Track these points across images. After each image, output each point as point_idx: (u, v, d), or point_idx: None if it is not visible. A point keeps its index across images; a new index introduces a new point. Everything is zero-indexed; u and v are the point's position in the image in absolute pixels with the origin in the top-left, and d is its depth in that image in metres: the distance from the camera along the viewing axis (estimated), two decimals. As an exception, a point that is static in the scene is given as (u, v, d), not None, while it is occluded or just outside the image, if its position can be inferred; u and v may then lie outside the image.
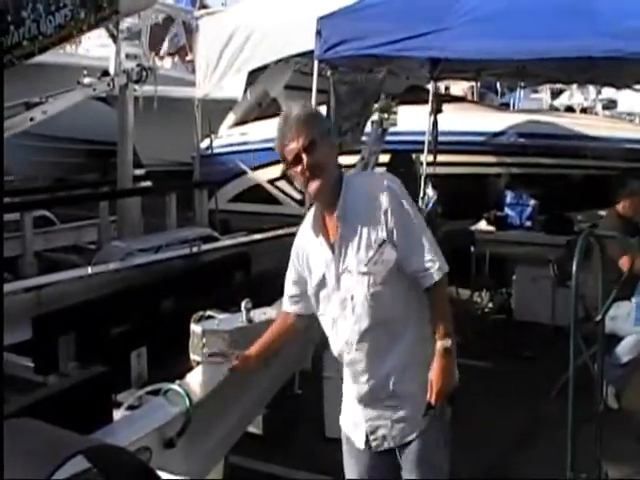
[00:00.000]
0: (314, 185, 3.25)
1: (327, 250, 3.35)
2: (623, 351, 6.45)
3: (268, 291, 5.39)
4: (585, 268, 4.52)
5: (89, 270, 7.19)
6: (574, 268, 4.19)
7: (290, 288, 3.66)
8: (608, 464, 4.69)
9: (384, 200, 3.24)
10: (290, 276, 3.63)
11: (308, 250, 3.46)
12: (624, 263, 6.16)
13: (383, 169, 8.53)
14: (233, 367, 3.79)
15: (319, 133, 3.29)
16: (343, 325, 3.36)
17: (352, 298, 3.30)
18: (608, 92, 23.42)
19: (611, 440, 4.84)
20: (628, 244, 6.53)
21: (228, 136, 12.29)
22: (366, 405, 3.44)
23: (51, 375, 5.66)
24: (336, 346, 3.46)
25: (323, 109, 7.25)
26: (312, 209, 3.46)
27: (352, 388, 3.48)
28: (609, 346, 6.27)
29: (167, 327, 5.64)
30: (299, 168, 3.25)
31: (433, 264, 3.27)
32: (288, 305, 3.72)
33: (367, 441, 3.48)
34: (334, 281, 3.34)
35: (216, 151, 11.70)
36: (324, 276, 3.38)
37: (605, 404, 6.04)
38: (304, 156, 3.23)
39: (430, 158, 10.16)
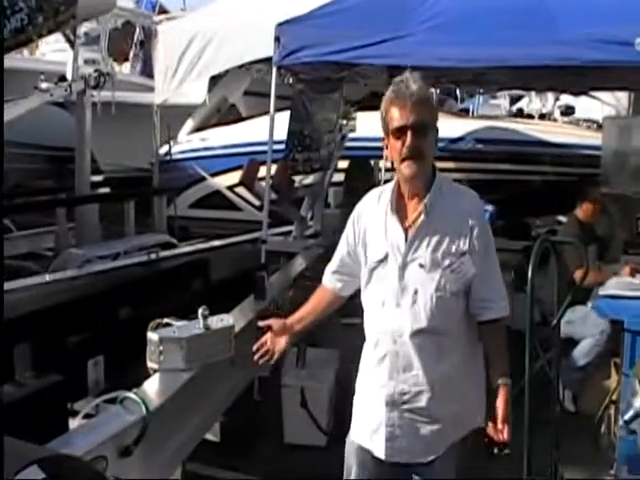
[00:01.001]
0: (412, 167, 3.19)
1: (400, 232, 3.27)
2: (579, 355, 6.53)
3: (226, 298, 5.39)
4: (542, 273, 4.57)
5: (46, 277, 7.11)
6: (530, 273, 4.24)
7: (337, 262, 3.63)
8: (564, 467, 4.74)
9: (474, 216, 3.26)
10: (341, 249, 3.58)
11: (372, 224, 3.38)
12: (578, 276, 6.24)
13: (342, 175, 8.57)
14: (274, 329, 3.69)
15: (433, 119, 3.27)
16: (395, 313, 3.25)
17: (416, 292, 3.22)
18: (566, 99, 23.64)
19: (568, 443, 4.89)
20: (583, 251, 6.60)
21: (187, 142, 12.23)
22: (393, 408, 3.31)
23: (6, 384, 5.59)
24: (377, 330, 3.35)
25: (285, 115, 7.23)
26: (389, 185, 3.38)
27: (381, 385, 3.33)
28: (566, 350, 6.34)
29: (124, 335, 5.59)
30: (399, 142, 3.20)
31: (500, 300, 3.32)
32: (330, 280, 3.69)
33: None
34: (398, 267, 3.25)
35: (175, 157, 11.64)
36: (387, 256, 3.28)
37: (562, 407, 6.12)
38: (410, 134, 3.16)
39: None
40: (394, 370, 3.28)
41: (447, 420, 3.27)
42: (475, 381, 3.36)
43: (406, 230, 3.26)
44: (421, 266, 3.21)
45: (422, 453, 3.31)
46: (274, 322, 3.70)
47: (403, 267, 3.24)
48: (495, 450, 3.19)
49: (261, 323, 3.76)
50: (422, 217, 3.23)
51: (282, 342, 3.70)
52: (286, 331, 3.69)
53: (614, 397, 5.65)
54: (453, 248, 3.20)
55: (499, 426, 3.17)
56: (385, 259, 3.29)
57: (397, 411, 3.30)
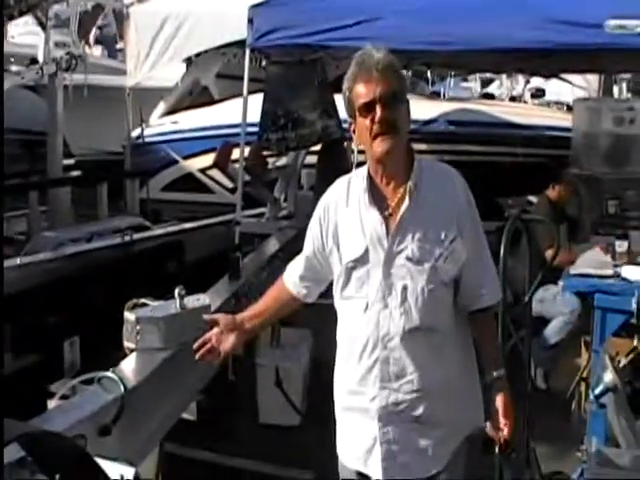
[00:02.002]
0: (385, 143, 2.82)
1: (379, 223, 2.88)
2: (551, 333, 6.62)
3: (201, 279, 5.41)
4: (514, 253, 4.62)
5: (18, 261, 7.10)
6: (502, 252, 4.28)
7: (302, 264, 3.22)
8: (536, 442, 4.81)
9: (460, 196, 2.95)
10: (307, 250, 3.18)
11: (344, 217, 2.98)
12: (549, 255, 6.33)
13: (315, 157, 8.59)
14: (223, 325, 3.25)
15: (401, 87, 2.93)
16: (383, 315, 2.87)
17: (404, 288, 2.85)
18: (536, 81, 23.75)
19: (539, 419, 4.97)
20: (555, 230, 6.69)
21: (159, 125, 12.19)
22: (387, 421, 2.94)
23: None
24: (362, 338, 2.94)
25: (258, 97, 7.25)
26: (359, 171, 3.02)
27: (371, 399, 2.96)
28: (537, 329, 6.42)
29: (100, 316, 5.61)
30: (368, 119, 2.84)
31: (492, 286, 3.05)
32: (294, 283, 3.27)
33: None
34: (381, 262, 2.86)
35: (147, 140, 11.62)
36: (367, 251, 2.88)
37: (534, 385, 6.20)
38: (379, 107, 2.81)
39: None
40: (385, 379, 2.91)
41: (449, 426, 2.96)
42: (471, 377, 3.09)
43: (387, 220, 2.88)
44: (409, 259, 2.84)
45: (425, 467, 2.96)
46: (222, 317, 3.30)
47: (388, 262, 2.86)
48: (497, 450, 2.99)
49: (206, 317, 3.41)
50: (406, 202, 2.86)
51: (229, 341, 3.25)
52: (235, 328, 3.25)
53: (584, 374, 5.75)
54: (443, 234, 2.85)
55: (500, 423, 2.94)
56: (365, 255, 2.89)
57: (392, 425, 2.94)
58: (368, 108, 2.84)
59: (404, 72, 3.17)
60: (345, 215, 2.98)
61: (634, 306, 5.16)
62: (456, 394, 2.97)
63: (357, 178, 3.00)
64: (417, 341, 2.87)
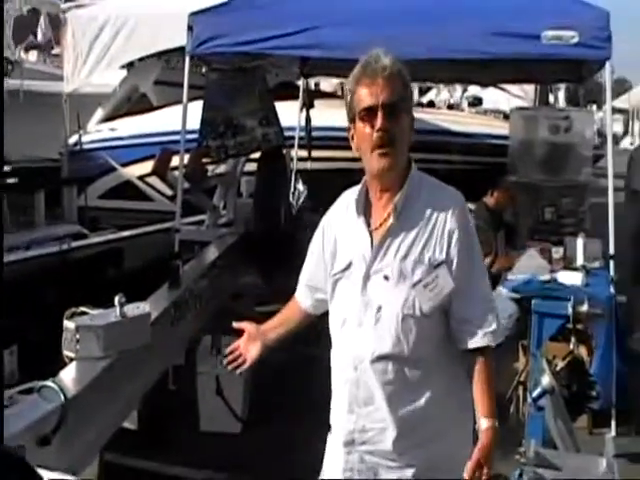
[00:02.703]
0: (383, 159, 2.68)
1: (365, 236, 2.77)
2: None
3: (141, 286, 5.38)
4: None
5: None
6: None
7: (305, 276, 3.13)
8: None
9: (455, 219, 2.72)
10: (309, 261, 3.09)
11: (340, 230, 2.90)
12: (487, 261, 6.46)
13: (254, 165, 8.60)
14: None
15: (406, 98, 2.76)
16: (357, 333, 2.75)
17: (379, 309, 2.70)
18: (474, 90, 24.06)
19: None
20: (492, 236, 6.81)
21: (97, 132, 12.09)
22: (352, 449, 2.81)
23: None
24: (338, 354, 2.87)
25: (197, 104, 7.23)
26: (356, 187, 2.90)
27: (340, 421, 2.86)
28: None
29: (39, 324, 5.54)
30: (368, 125, 2.68)
31: (489, 323, 2.73)
32: (302, 295, 3.18)
33: None
34: (361, 277, 2.75)
35: (85, 147, 11.51)
36: (351, 264, 2.79)
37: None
38: (380, 115, 2.65)
39: (301, 153, 10.31)
40: (354, 402, 2.77)
41: (419, 467, 2.75)
42: (457, 419, 2.85)
43: (372, 234, 2.78)
44: (386, 278, 2.70)
45: None
46: (249, 326, 3.23)
47: (366, 278, 2.74)
48: None
49: (236, 325, 3.28)
50: (391, 219, 2.74)
51: (255, 350, 3.17)
52: (259, 337, 3.18)
53: (522, 378, 5.83)
54: (426, 257, 2.68)
55: (471, 469, 2.61)
56: (348, 268, 2.80)
57: (356, 453, 2.80)
58: (369, 114, 2.68)
59: (411, 83, 2.85)
60: (343, 228, 2.90)
61: (570, 310, 5.26)
62: (433, 434, 2.77)
63: (357, 190, 2.89)
64: (388, 368, 2.70)
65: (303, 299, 3.17)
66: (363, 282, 2.74)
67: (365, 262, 2.75)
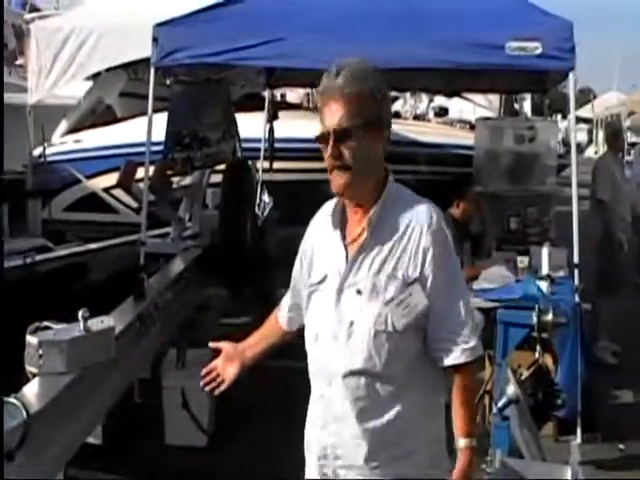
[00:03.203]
0: (338, 179, 2.65)
1: (340, 250, 2.74)
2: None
3: (106, 300, 5.34)
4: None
5: None
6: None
7: (289, 293, 3.12)
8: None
9: (430, 235, 2.65)
10: (293, 276, 3.05)
11: (317, 241, 2.87)
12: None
13: (220, 176, 8.58)
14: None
15: (368, 117, 2.66)
16: (330, 348, 2.71)
17: (351, 324, 2.66)
18: (440, 100, 24.21)
19: (445, 433, 5.03)
20: (458, 247, 6.82)
21: (62, 144, 12.00)
22: (325, 463, 2.79)
23: None
24: (312, 368, 2.83)
25: (162, 116, 7.20)
26: (334, 200, 2.84)
27: (315, 435, 2.83)
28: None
29: (1, 340, 5.48)
30: (327, 148, 2.66)
31: (467, 339, 2.68)
32: (283, 311, 3.17)
33: None
34: (335, 291, 2.71)
35: (49, 159, 11.40)
36: (326, 277, 2.76)
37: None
38: (331, 141, 2.63)
39: (266, 165, 10.30)
40: (328, 418, 2.75)
41: None
42: (431, 436, 2.79)
43: (347, 248, 2.74)
44: (359, 292, 2.66)
45: None
46: (227, 345, 3.18)
47: (340, 292, 2.70)
48: None
49: (212, 345, 3.23)
50: (365, 234, 2.69)
51: (233, 370, 3.13)
52: (237, 356, 3.14)
53: (488, 387, 5.85)
54: (400, 273, 2.63)
55: None
56: (323, 281, 2.77)
57: (330, 467, 2.78)
58: (325, 139, 2.66)
59: (384, 91, 2.80)
60: (321, 240, 2.86)
61: (535, 320, 5.28)
62: (406, 451, 2.72)
63: (337, 199, 2.85)
64: (360, 384, 2.66)
65: (282, 316, 3.16)
66: (337, 296, 2.70)
67: (339, 276, 2.71)
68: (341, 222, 2.79)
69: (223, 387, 3.16)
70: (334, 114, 2.63)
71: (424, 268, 2.64)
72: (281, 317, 3.16)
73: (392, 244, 2.67)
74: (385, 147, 2.75)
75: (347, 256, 2.72)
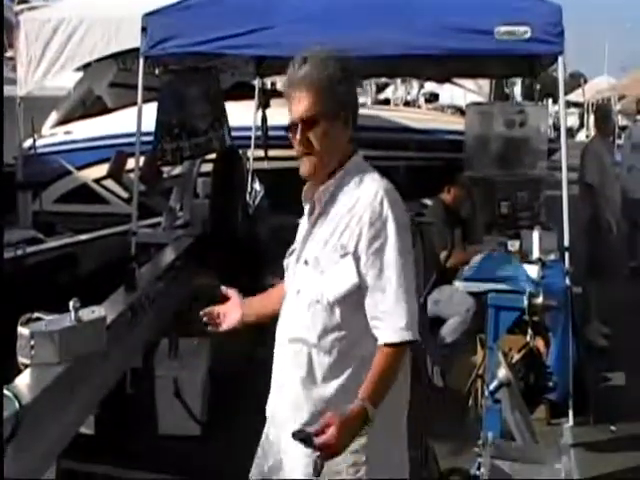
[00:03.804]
0: (304, 165, 2.80)
1: (305, 224, 2.93)
2: (447, 332, 6.75)
3: (98, 290, 5.35)
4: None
5: None
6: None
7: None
8: (434, 440, 4.90)
9: (370, 212, 2.71)
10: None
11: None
12: (443, 258, 6.54)
13: (210, 165, 8.58)
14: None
15: (331, 104, 2.77)
16: (283, 315, 2.92)
17: (298, 293, 2.84)
18: (431, 86, 24.23)
19: (437, 417, 5.07)
20: (448, 232, 6.86)
21: (52, 135, 11.97)
22: (268, 427, 3.01)
23: None
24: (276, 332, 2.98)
25: (152, 106, 7.19)
26: None
27: (269, 396, 3.01)
28: (434, 328, 6.56)
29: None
30: (294, 137, 2.79)
31: (394, 320, 2.68)
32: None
33: None
34: (294, 262, 2.92)
35: (40, 151, 11.37)
36: (293, 250, 2.96)
37: (431, 383, 6.33)
38: (299, 129, 2.76)
39: (257, 153, 10.31)
40: (276, 381, 2.94)
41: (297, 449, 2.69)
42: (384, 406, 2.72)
43: (309, 222, 2.90)
44: (306, 263, 2.82)
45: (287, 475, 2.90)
46: (235, 294, 3.26)
47: (296, 262, 2.90)
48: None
49: (223, 290, 3.31)
50: (316, 209, 2.84)
51: (234, 317, 3.21)
52: (241, 308, 3.21)
53: (480, 371, 5.87)
54: (338, 247, 2.73)
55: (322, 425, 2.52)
56: (292, 254, 2.96)
57: (272, 432, 2.98)
58: (292, 127, 2.80)
59: (349, 78, 2.84)
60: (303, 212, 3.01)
61: (525, 303, 5.30)
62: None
63: None
64: (301, 352, 2.79)
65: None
66: (293, 267, 2.91)
67: (298, 247, 2.92)
68: (310, 199, 2.89)
69: (221, 329, 3.26)
70: (299, 104, 2.77)
71: (359, 243, 2.71)
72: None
73: (338, 218, 2.77)
74: (351, 129, 2.87)
75: (310, 231, 2.87)
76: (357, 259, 2.70)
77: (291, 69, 2.82)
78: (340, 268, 2.71)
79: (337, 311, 2.73)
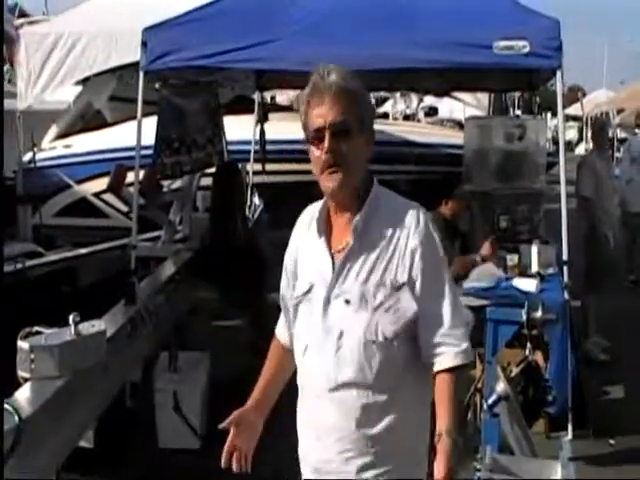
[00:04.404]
0: (332, 179, 2.58)
1: (326, 258, 2.67)
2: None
3: (98, 304, 5.35)
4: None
5: None
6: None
7: (282, 312, 2.97)
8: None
9: (417, 238, 2.60)
10: (282, 294, 2.92)
11: (301, 250, 2.80)
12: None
13: (210, 179, 8.60)
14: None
15: (359, 117, 2.63)
16: (318, 361, 2.65)
17: (340, 336, 2.59)
18: (429, 100, 24.29)
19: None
20: (448, 246, 6.84)
21: (51, 149, 11.99)
22: (319, 477, 2.72)
23: None
24: (301, 381, 2.78)
25: (152, 120, 7.21)
26: (318, 203, 2.79)
27: (307, 450, 2.77)
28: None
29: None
30: (319, 148, 2.59)
31: (455, 343, 2.61)
32: (281, 328, 3.02)
33: None
34: (322, 302, 2.64)
35: (39, 165, 11.38)
36: (311, 288, 2.69)
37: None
38: (327, 137, 2.56)
39: (256, 167, 10.32)
40: (320, 432, 2.67)
41: None
42: (419, 438, 2.72)
43: (333, 256, 2.67)
44: (347, 302, 2.59)
45: None
46: (236, 417, 2.91)
47: (327, 303, 2.63)
48: None
49: (225, 425, 2.92)
50: (351, 241, 2.63)
51: (250, 442, 2.93)
52: (250, 423, 2.93)
53: (479, 385, 5.87)
54: (388, 279, 2.57)
55: None
56: (309, 292, 2.69)
57: (317, 474, 2.73)
58: (318, 136, 2.58)
59: (368, 96, 2.78)
60: (304, 248, 2.79)
61: (524, 317, 5.31)
62: (399, 460, 2.65)
63: (318, 208, 2.77)
64: (351, 397, 2.59)
65: (283, 334, 2.99)
66: (324, 307, 2.63)
67: (326, 286, 2.64)
68: (326, 229, 2.71)
69: (249, 463, 2.95)
70: (329, 109, 2.57)
71: (412, 272, 2.58)
72: (283, 339, 3.00)
73: (379, 250, 2.61)
74: (371, 151, 2.71)
75: (334, 265, 2.64)
76: (412, 288, 2.59)
77: (317, 77, 2.62)
78: (397, 301, 2.57)
79: (394, 346, 2.59)
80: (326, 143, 2.56)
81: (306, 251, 2.77)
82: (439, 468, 2.47)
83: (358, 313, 2.57)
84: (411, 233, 2.61)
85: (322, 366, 2.63)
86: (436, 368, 2.61)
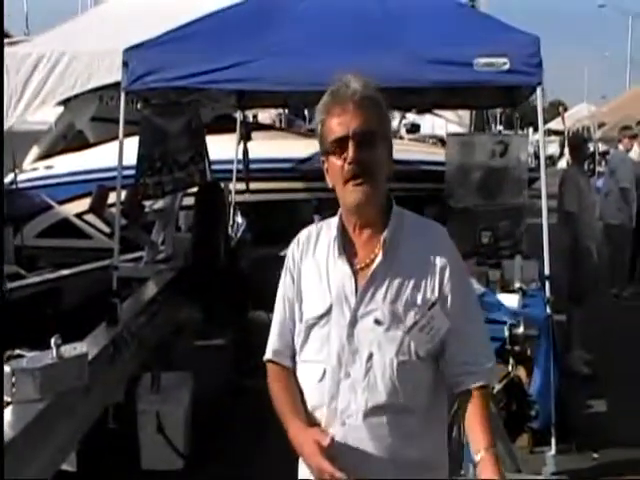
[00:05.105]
0: (358, 191, 2.45)
1: (348, 277, 2.52)
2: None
3: (80, 325, 5.33)
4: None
5: None
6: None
7: (277, 333, 2.73)
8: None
9: (445, 254, 2.54)
10: (279, 322, 2.72)
11: (309, 270, 2.63)
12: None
13: (192, 198, 8.60)
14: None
15: (382, 126, 2.54)
16: (343, 386, 2.48)
17: (370, 357, 2.46)
18: (411, 117, 24.36)
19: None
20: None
21: (33, 170, 11.95)
22: None
23: None
24: (320, 408, 2.54)
25: (133, 140, 7.20)
26: (331, 221, 2.66)
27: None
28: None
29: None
30: (340, 158, 2.47)
31: (484, 361, 2.57)
32: (282, 354, 2.71)
33: None
34: (346, 323, 2.49)
35: (21, 185, 11.35)
36: (330, 309, 2.52)
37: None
38: (352, 146, 2.44)
39: (239, 186, 10.34)
40: (346, 462, 2.41)
41: None
42: (443, 459, 2.70)
43: (356, 274, 2.53)
44: (377, 322, 2.47)
45: None
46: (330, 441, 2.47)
47: (353, 324, 2.48)
48: None
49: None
50: (379, 257, 2.50)
51: (327, 461, 2.41)
52: (322, 446, 2.43)
53: (463, 401, 5.87)
54: (419, 298, 2.48)
55: None
56: (328, 314, 2.52)
57: None
58: (340, 145, 2.46)
59: (387, 109, 2.63)
60: (310, 266, 2.63)
61: (507, 333, 5.32)
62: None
63: (327, 226, 2.65)
64: (383, 421, 2.47)
65: (287, 359, 2.70)
66: (350, 328, 2.49)
67: (349, 306, 2.50)
68: (345, 247, 2.57)
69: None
70: (353, 117, 2.46)
71: (442, 289, 2.51)
72: (288, 365, 2.70)
73: (409, 267, 2.52)
74: (392, 164, 2.61)
75: (357, 283, 2.52)
76: (443, 306, 2.50)
77: (340, 84, 2.54)
78: (431, 319, 2.48)
79: (424, 366, 2.51)
80: (350, 152, 2.44)
81: (315, 272, 2.62)
82: None
83: (390, 333, 2.47)
84: (439, 251, 2.54)
85: (348, 391, 2.48)
86: (470, 386, 2.53)
